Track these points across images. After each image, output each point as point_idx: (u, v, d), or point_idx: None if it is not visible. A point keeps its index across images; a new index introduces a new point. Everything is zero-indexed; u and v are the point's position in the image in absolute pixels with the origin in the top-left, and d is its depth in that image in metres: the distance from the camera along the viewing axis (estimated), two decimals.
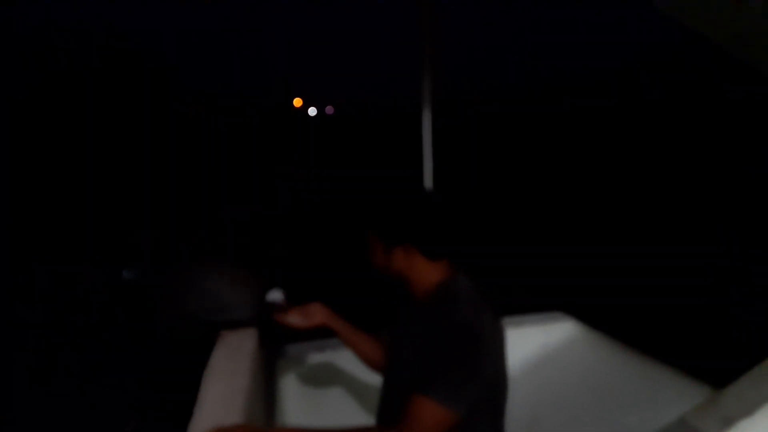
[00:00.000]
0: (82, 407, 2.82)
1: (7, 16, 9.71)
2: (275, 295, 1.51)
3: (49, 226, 6.02)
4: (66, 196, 7.13)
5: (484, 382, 1.11)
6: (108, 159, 8.81)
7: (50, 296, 4.27)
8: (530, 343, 2.08)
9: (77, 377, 3.16)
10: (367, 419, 1.79)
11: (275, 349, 1.87)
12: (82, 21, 11.05)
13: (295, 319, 1.47)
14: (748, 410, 1.17)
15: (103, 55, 10.77)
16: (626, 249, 7.19)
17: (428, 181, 2.29)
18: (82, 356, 3.40)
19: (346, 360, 1.81)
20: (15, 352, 3.48)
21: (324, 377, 1.89)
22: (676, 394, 1.68)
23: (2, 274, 4.75)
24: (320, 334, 1.57)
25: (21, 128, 8.48)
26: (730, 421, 1.19)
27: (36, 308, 4.15)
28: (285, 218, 8.23)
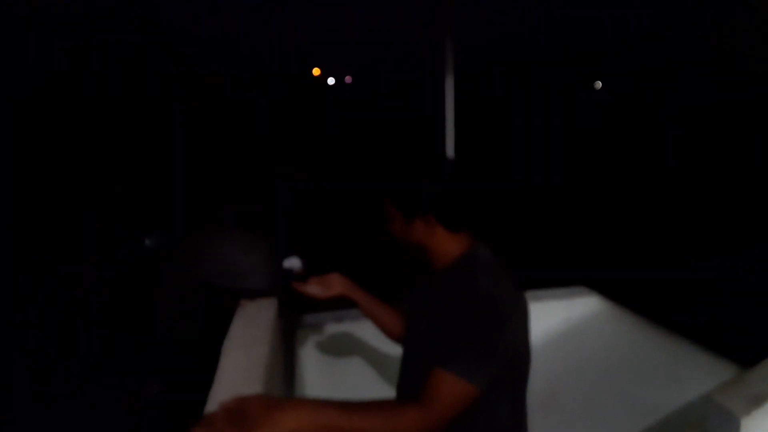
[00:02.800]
0: (82, 407, 2.85)
1: None
2: (292, 262, 1.50)
3: (49, 226, 6.05)
4: (66, 195, 7.15)
5: (505, 357, 1.09)
6: (109, 158, 8.81)
7: (50, 296, 4.30)
8: (552, 317, 2.05)
9: (77, 377, 3.18)
10: (387, 390, 1.79)
11: (294, 319, 1.87)
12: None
13: (314, 289, 1.46)
14: None
15: (104, 51, 10.68)
16: (653, 223, 7.10)
17: (450, 150, 2.24)
18: (82, 356, 3.42)
19: (365, 330, 1.81)
20: (15, 352, 3.52)
21: (343, 347, 1.89)
22: (699, 372, 1.64)
23: (2, 274, 4.78)
24: (340, 305, 1.56)
25: (21, 127, 8.49)
26: (760, 400, 1.15)
27: (36, 308, 4.18)
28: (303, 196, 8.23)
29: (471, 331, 1.05)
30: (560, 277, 2.27)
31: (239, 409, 0.90)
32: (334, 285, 1.46)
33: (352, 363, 1.90)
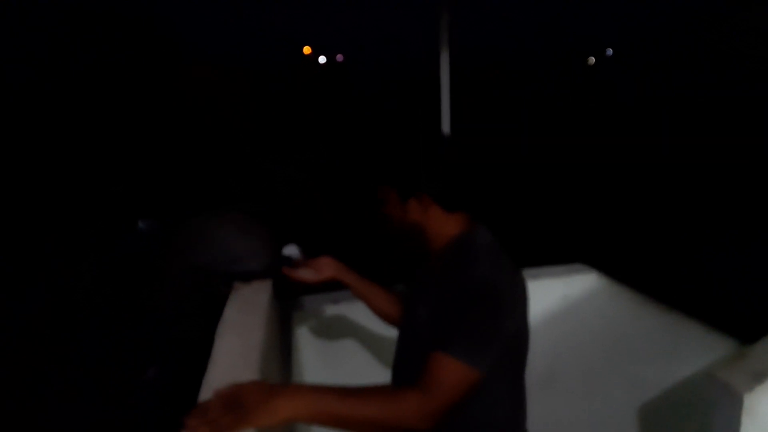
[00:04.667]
0: (82, 407, 2.83)
1: None
2: (291, 250, 1.48)
3: (49, 224, 5.99)
4: (66, 193, 7.08)
5: (506, 339, 1.07)
6: (109, 155, 8.70)
7: (50, 294, 4.25)
8: (551, 295, 2.03)
9: (77, 376, 3.16)
10: (383, 371, 1.78)
11: (290, 302, 1.85)
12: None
13: (305, 273, 1.44)
14: None
15: (101, 45, 10.53)
16: (649, 200, 7.10)
17: (445, 127, 2.20)
18: (83, 354, 3.39)
19: (361, 312, 1.78)
20: (15, 351, 3.49)
21: (339, 329, 1.87)
22: (699, 348, 1.64)
23: (2, 273, 4.73)
24: (336, 287, 1.54)
25: (18, 124, 8.38)
26: (762, 376, 1.14)
27: (36, 306, 4.14)
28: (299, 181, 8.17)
29: (471, 315, 1.03)
30: (559, 253, 2.25)
31: (234, 396, 0.88)
32: (326, 268, 1.44)
33: (348, 344, 1.88)
